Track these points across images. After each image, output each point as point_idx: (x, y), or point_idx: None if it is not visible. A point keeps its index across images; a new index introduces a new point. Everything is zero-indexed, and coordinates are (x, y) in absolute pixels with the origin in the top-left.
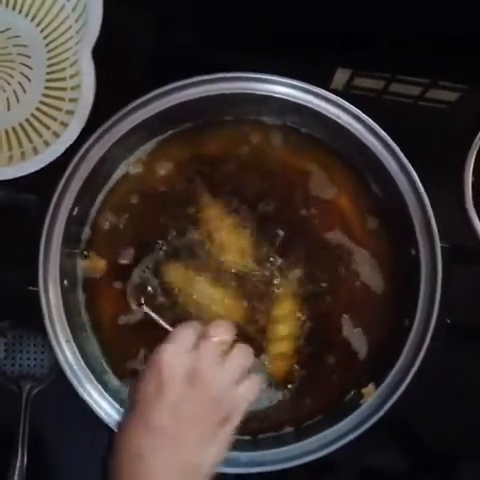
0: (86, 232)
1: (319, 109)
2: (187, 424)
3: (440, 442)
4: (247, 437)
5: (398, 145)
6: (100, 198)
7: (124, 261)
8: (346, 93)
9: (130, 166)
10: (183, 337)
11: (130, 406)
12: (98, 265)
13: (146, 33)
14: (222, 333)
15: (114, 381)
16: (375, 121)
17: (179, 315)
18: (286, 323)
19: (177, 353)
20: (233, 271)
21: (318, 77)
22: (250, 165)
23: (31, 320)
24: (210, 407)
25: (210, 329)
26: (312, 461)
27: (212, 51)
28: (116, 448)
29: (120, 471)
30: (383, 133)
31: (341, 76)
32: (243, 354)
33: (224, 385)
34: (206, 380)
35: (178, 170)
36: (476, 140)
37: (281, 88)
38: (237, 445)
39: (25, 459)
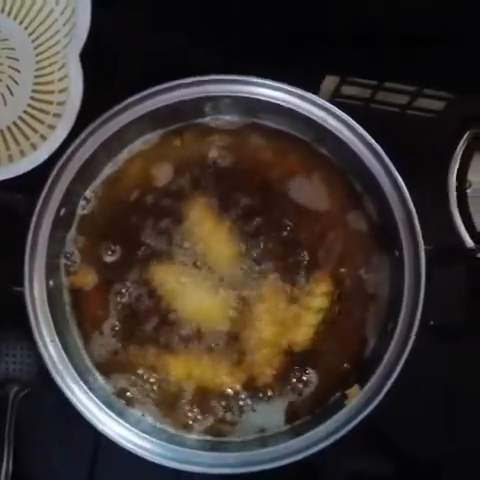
0: (72, 233)
1: (307, 113)
2: None
3: (425, 445)
4: (231, 438)
5: (384, 150)
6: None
7: (110, 262)
8: (334, 101)
9: (116, 167)
10: None
11: None
12: (85, 280)
13: (134, 35)
14: None
15: (99, 381)
16: (362, 128)
17: (167, 319)
18: (272, 327)
19: None
20: (222, 273)
21: (306, 85)
22: (239, 168)
23: (17, 322)
24: None
25: None
26: (296, 462)
27: (201, 53)
28: None
29: None
30: (368, 136)
31: (329, 84)
32: None
33: None
34: None
35: (165, 171)
36: (460, 145)
37: (271, 92)
38: (222, 446)
39: (10, 463)
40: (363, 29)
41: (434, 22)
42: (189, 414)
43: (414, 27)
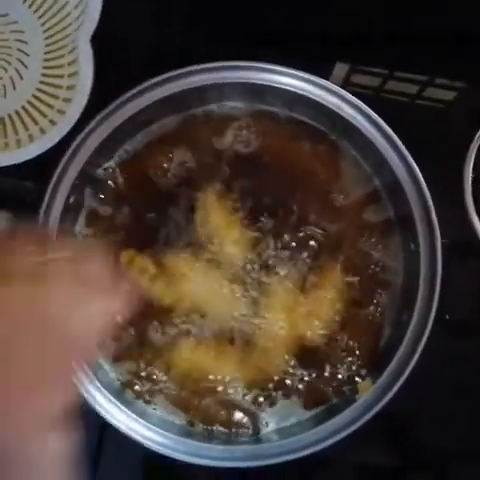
0: (81, 222)
1: (321, 100)
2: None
3: (436, 439)
4: (243, 431)
5: None
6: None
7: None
8: (345, 90)
9: (127, 155)
10: None
11: None
12: None
13: (145, 20)
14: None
15: (108, 372)
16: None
17: (175, 311)
18: (284, 321)
19: None
20: (233, 266)
21: (317, 73)
22: (252, 158)
23: None
24: None
25: None
26: (307, 456)
27: (212, 40)
28: None
29: None
30: (385, 126)
31: (339, 72)
32: None
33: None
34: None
35: (175, 159)
36: (476, 137)
37: (284, 78)
38: (231, 440)
39: None
40: (370, 20)
41: (445, 14)
42: (197, 406)
43: (423, 18)
